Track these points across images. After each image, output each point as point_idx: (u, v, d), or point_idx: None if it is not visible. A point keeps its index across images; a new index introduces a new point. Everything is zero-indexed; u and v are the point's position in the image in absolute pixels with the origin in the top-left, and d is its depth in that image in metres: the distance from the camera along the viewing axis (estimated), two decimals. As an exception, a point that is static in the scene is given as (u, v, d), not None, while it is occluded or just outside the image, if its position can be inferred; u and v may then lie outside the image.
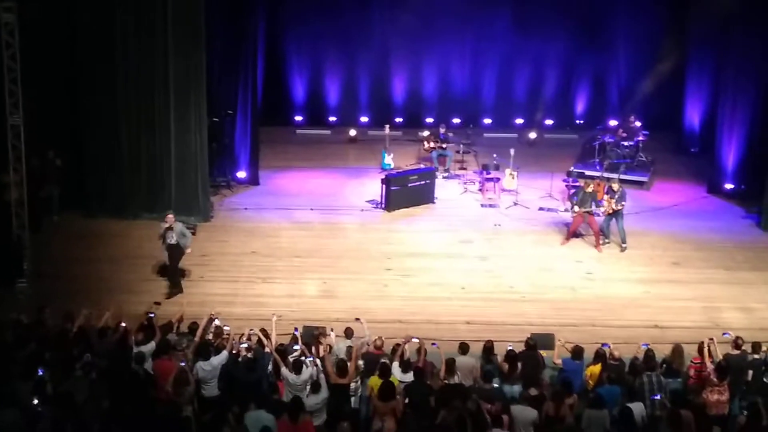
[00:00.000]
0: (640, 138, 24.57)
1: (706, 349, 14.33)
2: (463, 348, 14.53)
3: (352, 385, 13.96)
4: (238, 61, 22.31)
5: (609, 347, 14.72)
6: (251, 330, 14.94)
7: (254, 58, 22.77)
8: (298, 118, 27.73)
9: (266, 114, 25.47)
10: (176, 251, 18.23)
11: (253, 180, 23.48)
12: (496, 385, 13.74)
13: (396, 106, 27.76)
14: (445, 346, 15.23)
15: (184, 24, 20.13)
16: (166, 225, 18.11)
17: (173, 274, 18.36)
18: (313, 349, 14.63)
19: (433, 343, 15.02)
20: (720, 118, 23.23)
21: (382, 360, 13.96)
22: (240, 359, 14.05)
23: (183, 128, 20.81)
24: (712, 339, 14.69)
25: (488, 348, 14.68)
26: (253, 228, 21.12)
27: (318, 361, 13.97)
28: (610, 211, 20.27)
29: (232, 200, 22.63)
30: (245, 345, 14.42)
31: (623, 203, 20.30)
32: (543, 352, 14.94)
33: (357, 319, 15.61)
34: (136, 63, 20.48)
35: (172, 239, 18.08)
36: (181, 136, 20.85)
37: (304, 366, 13.53)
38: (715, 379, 13.56)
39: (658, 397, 13.31)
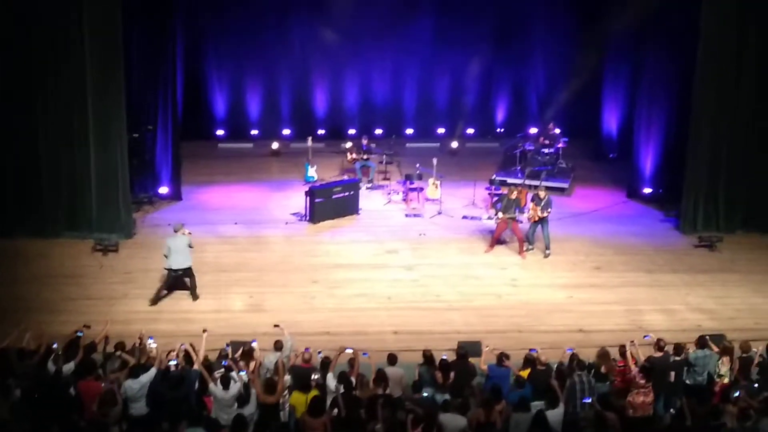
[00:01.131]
0: (560, 145, 24.94)
1: (628, 352, 14.56)
2: (392, 358, 14.55)
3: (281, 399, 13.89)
4: (158, 76, 22.09)
5: (537, 352, 14.87)
6: (182, 345, 14.78)
7: (174, 72, 22.56)
8: (220, 132, 27.59)
9: (187, 129, 25.25)
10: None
11: (176, 195, 23.27)
12: (426, 394, 13.77)
13: (318, 118, 27.80)
14: (374, 357, 15.22)
15: (102, 38, 19.84)
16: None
17: (193, 288, 18.51)
18: (243, 364, 14.50)
19: (364, 353, 15.02)
20: (636, 124, 23.64)
21: (313, 375, 13.91)
22: (168, 376, 13.87)
23: (103, 145, 20.50)
24: (633, 341, 14.93)
25: (428, 357, 14.71)
26: (177, 244, 20.91)
27: (245, 377, 13.87)
28: (536, 219, 20.50)
29: (155, 216, 22.38)
30: (174, 362, 14.25)
31: (549, 210, 20.54)
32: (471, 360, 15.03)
33: (276, 326, 15.52)
34: (53, 79, 20.13)
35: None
36: (100, 153, 20.54)
37: (232, 381, 13.43)
38: (641, 381, 13.76)
39: (589, 400, 13.48)
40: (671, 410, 13.86)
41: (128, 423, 13.36)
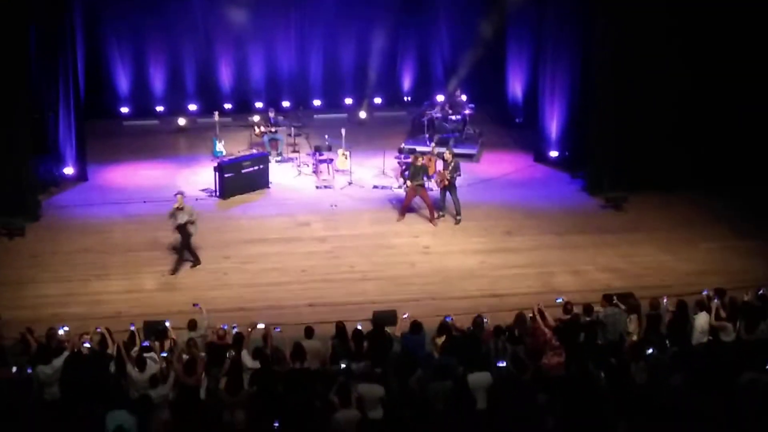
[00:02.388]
0: (467, 112, 25.10)
1: (537, 315, 14.72)
2: (308, 332, 14.54)
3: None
4: (57, 55, 21.53)
5: (452, 319, 15.00)
6: (98, 328, 14.57)
7: (73, 50, 22.03)
8: (124, 109, 27.09)
9: (90, 107, 24.74)
10: (186, 231, 18.55)
11: (82, 176, 22.83)
12: (343, 366, 13.81)
13: (224, 92, 27.47)
14: (290, 331, 15.22)
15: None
16: (177, 205, 18.27)
17: (190, 251, 18.83)
18: (158, 344, 14.38)
19: (275, 328, 14.98)
20: (541, 88, 23.89)
21: (228, 352, 13.85)
22: (81, 359, 13.68)
23: (3, 126, 20.02)
24: (539, 304, 15.10)
25: (340, 329, 14.73)
26: (85, 224, 20.57)
27: (159, 357, 13.76)
28: (446, 183, 20.61)
29: (60, 197, 21.95)
30: (87, 345, 14.06)
31: (458, 174, 20.68)
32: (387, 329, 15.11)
33: (195, 305, 15.43)
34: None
35: (183, 219, 18.24)
36: (2, 135, 20.06)
37: (148, 362, 13.31)
38: (555, 343, 13.98)
39: (503, 363, 13.64)
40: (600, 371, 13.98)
41: (42, 408, 13.15)
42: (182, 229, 18.52)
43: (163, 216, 20.77)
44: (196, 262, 18.83)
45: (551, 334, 14.16)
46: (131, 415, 12.04)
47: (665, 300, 15.54)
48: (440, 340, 14.42)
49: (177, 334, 14.74)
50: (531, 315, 14.86)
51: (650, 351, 13.73)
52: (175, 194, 18.74)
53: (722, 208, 21.62)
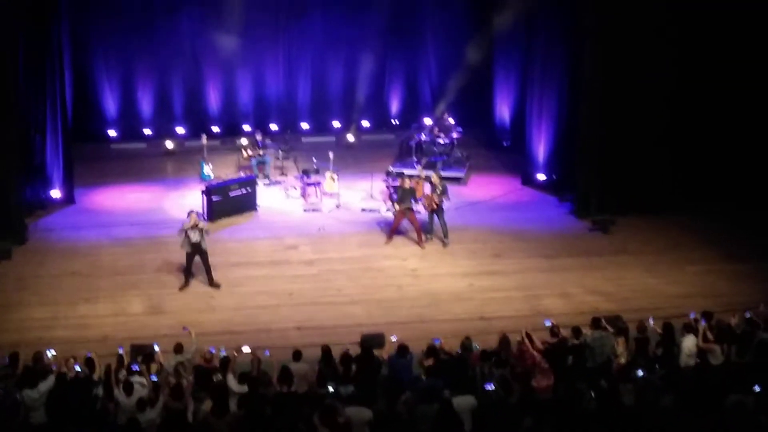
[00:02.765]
0: (455, 135, 25.19)
1: (525, 339, 14.71)
2: (296, 355, 14.50)
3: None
4: (45, 78, 21.56)
5: (440, 342, 14.97)
6: (88, 354, 14.51)
7: (61, 73, 22.06)
8: (112, 132, 27.11)
9: (78, 130, 24.85)
10: (201, 249, 18.54)
11: (69, 199, 22.80)
12: (331, 389, 13.77)
13: (212, 115, 27.53)
14: (278, 354, 15.18)
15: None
16: (191, 223, 18.21)
17: (208, 271, 18.87)
18: (145, 368, 14.30)
19: (265, 351, 14.92)
20: (528, 111, 24.01)
21: (215, 375, 13.80)
22: (67, 383, 13.61)
23: (-10, 149, 20.04)
24: (523, 331, 15.04)
25: (326, 352, 14.69)
26: (72, 248, 20.51)
27: (145, 381, 13.69)
28: (434, 206, 20.65)
29: (48, 220, 21.90)
30: (77, 368, 13.99)
31: (446, 197, 20.73)
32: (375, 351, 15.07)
33: (184, 328, 15.38)
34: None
35: (196, 238, 18.30)
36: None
37: (135, 387, 13.24)
38: (544, 365, 13.97)
39: (491, 386, 13.62)
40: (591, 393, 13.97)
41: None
42: (198, 248, 18.50)
43: (151, 239, 20.85)
44: (186, 284, 18.79)
45: (540, 357, 14.15)
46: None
47: (651, 322, 15.56)
48: (428, 363, 14.40)
49: (164, 357, 14.67)
50: (519, 338, 14.84)
51: (640, 373, 13.73)
52: (189, 213, 18.63)
53: (709, 231, 21.69)
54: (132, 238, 21.10)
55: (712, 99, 22.01)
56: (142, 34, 26.36)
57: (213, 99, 27.49)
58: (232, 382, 13.67)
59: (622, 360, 14.89)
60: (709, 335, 14.95)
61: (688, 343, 14.87)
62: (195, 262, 18.76)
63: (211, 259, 19.85)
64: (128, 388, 13.20)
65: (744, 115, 22.12)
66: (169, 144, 26.52)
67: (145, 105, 27.16)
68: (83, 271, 19.50)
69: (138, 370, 13.92)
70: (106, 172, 24.93)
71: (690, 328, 15.07)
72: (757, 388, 12.94)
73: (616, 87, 21.72)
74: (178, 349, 14.61)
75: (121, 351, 14.66)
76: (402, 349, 14.59)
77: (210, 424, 12.66)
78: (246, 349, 14.61)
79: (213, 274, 18.84)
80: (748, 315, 15.83)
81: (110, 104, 26.95)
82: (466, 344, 14.84)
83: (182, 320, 17.20)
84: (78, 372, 13.94)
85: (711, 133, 22.25)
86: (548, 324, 15.62)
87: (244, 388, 13.47)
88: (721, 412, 12.60)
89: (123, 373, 13.86)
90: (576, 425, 12.29)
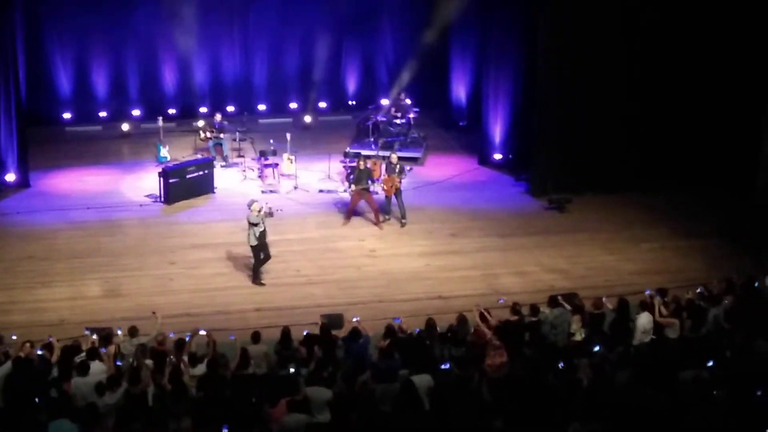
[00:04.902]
0: (412, 115, 25.23)
1: (477, 316, 14.82)
2: (255, 337, 14.52)
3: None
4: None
5: (400, 321, 15.05)
6: (50, 338, 14.44)
7: (14, 54, 21.86)
8: (67, 115, 26.85)
9: (32, 113, 24.56)
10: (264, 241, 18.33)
11: (24, 182, 22.62)
12: (291, 370, 13.82)
13: (168, 97, 27.33)
14: (237, 335, 15.23)
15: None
16: (255, 214, 18.05)
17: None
18: (104, 352, 14.26)
19: (231, 336, 14.94)
20: (485, 91, 24.10)
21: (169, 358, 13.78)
22: (26, 368, 13.53)
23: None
24: (478, 305, 15.21)
25: (286, 333, 14.73)
26: (27, 231, 20.36)
27: (109, 363, 13.67)
28: (396, 189, 20.72)
29: (2, 204, 21.71)
30: (40, 352, 13.91)
31: (404, 175, 20.84)
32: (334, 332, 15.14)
33: (153, 313, 15.31)
34: None
35: (263, 227, 18.15)
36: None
37: (92, 369, 13.19)
38: (496, 343, 14.08)
39: (447, 366, 13.74)
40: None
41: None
42: (263, 239, 18.31)
43: (108, 222, 20.74)
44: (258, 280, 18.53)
45: (491, 335, 14.24)
46: (74, 423, 11.93)
47: (605, 299, 15.73)
48: (383, 343, 14.46)
49: (121, 340, 14.62)
50: (473, 316, 14.92)
51: (596, 349, 13.89)
52: (250, 203, 18.37)
53: (663, 209, 21.90)
54: (88, 221, 20.97)
55: (666, 78, 22.22)
56: (96, 15, 26.03)
57: (169, 81, 27.29)
58: (186, 364, 13.66)
59: (578, 337, 15.06)
60: (664, 311, 15.16)
61: (643, 320, 15.05)
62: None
63: (169, 242, 19.88)
64: (83, 370, 13.11)
65: (698, 94, 22.32)
66: (125, 126, 26.33)
67: (100, 87, 26.90)
68: (39, 254, 19.37)
69: (93, 352, 13.84)
70: (61, 155, 24.73)
71: (645, 306, 15.25)
72: (710, 363, 13.16)
73: (572, 66, 21.85)
74: (133, 332, 14.56)
75: (87, 332, 14.60)
76: (354, 332, 14.66)
77: (170, 408, 12.67)
78: (202, 332, 14.61)
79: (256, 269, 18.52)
80: (699, 290, 16.08)
81: (64, 87, 26.67)
82: (431, 323, 14.88)
83: (140, 303, 17.22)
84: (38, 355, 13.88)
85: (665, 112, 22.47)
86: (502, 302, 15.76)
87: (199, 371, 13.48)
88: (676, 387, 12.80)
89: (83, 356, 13.79)
90: (533, 402, 12.42)
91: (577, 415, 11.78)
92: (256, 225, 18.09)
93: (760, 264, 18.26)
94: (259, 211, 18.11)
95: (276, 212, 20.03)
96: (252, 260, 18.51)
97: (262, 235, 18.21)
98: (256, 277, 18.43)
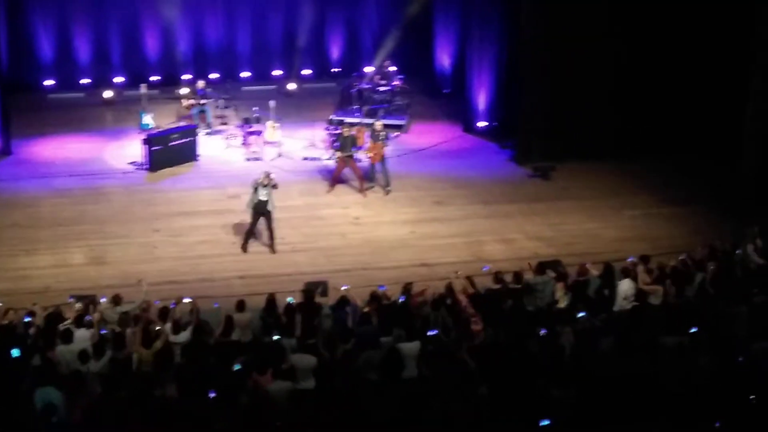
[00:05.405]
0: (396, 82, 25.17)
1: (454, 284, 14.83)
2: (239, 305, 14.52)
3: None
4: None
5: (386, 288, 15.08)
6: (34, 304, 14.41)
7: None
8: (49, 82, 26.66)
9: (13, 80, 24.39)
10: (267, 209, 18.25)
11: (6, 150, 22.48)
12: (276, 337, 13.84)
13: (151, 64, 27.14)
14: (221, 303, 15.23)
15: None
16: (262, 179, 18.10)
17: (272, 234, 18.52)
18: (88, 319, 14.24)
19: (215, 303, 14.97)
20: (469, 59, 24.08)
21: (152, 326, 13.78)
22: (9, 335, 13.51)
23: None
24: (457, 272, 15.24)
25: (271, 301, 14.74)
26: (11, 199, 20.27)
27: (94, 331, 13.66)
28: (381, 155, 20.70)
29: (-16, 173, 21.64)
30: (27, 319, 13.89)
31: (387, 143, 20.79)
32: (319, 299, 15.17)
33: (139, 281, 15.29)
34: None
35: (265, 196, 18.09)
36: None
37: (76, 335, 13.19)
38: (470, 310, 14.09)
39: (435, 332, 13.77)
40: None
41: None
42: (263, 207, 18.23)
43: (92, 189, 20.68)
44: (245, 246, 18.52)
45: (466, 302, 14.25)
46: (59, 391, 11.93)
47: (589, 266, 15.79)
48: (367, 310, 14.48)
49: (105, 308, 14.60)
50: (449, 285, 14.92)
51: (581, 315, 13.94)
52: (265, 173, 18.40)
53: (647, 176, 21.98)
54: (72, 188, 20.90)
55: (652, 46, 22.23)
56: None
57: (152, 47, 27.09)
58: (170, 331, 13.67)
59: (562, 304, 15.12)
60: (647, 278, 15.23)
61: (624, 287, 15.12)
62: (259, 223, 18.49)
63: (153, 209, 19.83)
64: (66, 337, 13.10)
65: (684, 63, 22.35)
66: (108, 93, 26.16)
67: (83, 53, 26.70)
68: (23, 222, 19.30)
69: (78, 320, 13.84)
70: (43, 122, 24.55)
71: (627, 273, 15.32)
72: (693, 329, 13.24)
73: (557, 34, 21.79)
74: (117, 300, 14.54)
75: (71, 300, 14.60)
76: (341, 301, 14.69)
77: (154, 374, 12.68)
78: (186, 300, 14.61)
79: (273, 236, 18.50)
80: (681, 258, 16.15)
81: (46, 53, 26.46)
82: (407, 288, 14.95)
83: (124, 271, 17.20)
84: (20, 323, 13.85)
85: (651, 80, 22.48)
86: (486, 269, 15.80)
87: (182, 338, 13.49)
88: (658, 353, 12.87)
89: (68, 323, 13.78)
90: (516, 369, 12.47)
91: (559, 382, 11.84)
92: (255, 191, 18.07)
93: (742, 231, 18.32)
94: (267, 182, 18.10)
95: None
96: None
97: (260, 204, 18.15)
98: (272, 244, 18.49)
